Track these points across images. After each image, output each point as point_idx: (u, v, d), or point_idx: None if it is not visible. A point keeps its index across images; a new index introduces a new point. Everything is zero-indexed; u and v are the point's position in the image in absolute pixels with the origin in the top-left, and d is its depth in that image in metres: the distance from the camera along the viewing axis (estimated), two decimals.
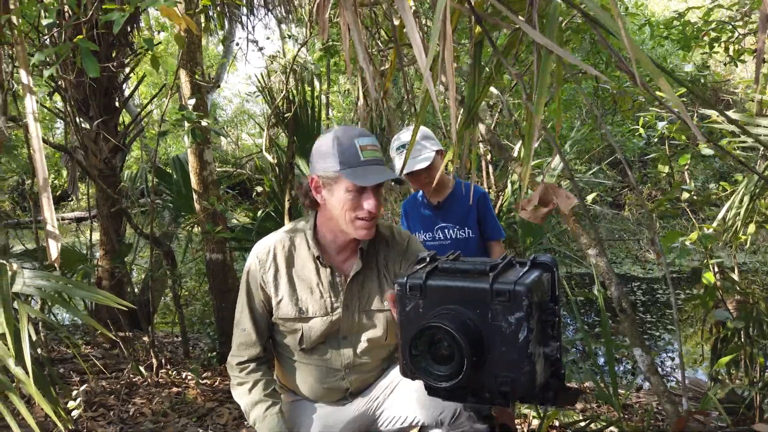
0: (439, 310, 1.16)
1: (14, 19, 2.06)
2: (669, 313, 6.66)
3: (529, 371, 1.10)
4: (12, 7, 2.07)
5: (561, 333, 1.20)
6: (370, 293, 1.77)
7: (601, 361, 4.18)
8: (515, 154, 3.31)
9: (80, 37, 2.06)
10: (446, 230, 2.39)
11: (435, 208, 2.41)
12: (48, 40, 2.95)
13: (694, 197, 3.44)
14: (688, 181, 3.52)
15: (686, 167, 3.70)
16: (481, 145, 4.47)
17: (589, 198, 4.41)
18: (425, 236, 2.44)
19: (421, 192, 2.47)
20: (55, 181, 12.46)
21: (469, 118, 1.73)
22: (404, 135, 2.35)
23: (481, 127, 1.69)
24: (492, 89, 2.31)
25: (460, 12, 1.61)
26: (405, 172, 2.24)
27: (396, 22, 1.90)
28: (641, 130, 3.31)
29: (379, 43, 3.88)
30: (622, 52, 4.71)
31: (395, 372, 1.84)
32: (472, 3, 1.48)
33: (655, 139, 3.53)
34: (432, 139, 2.33)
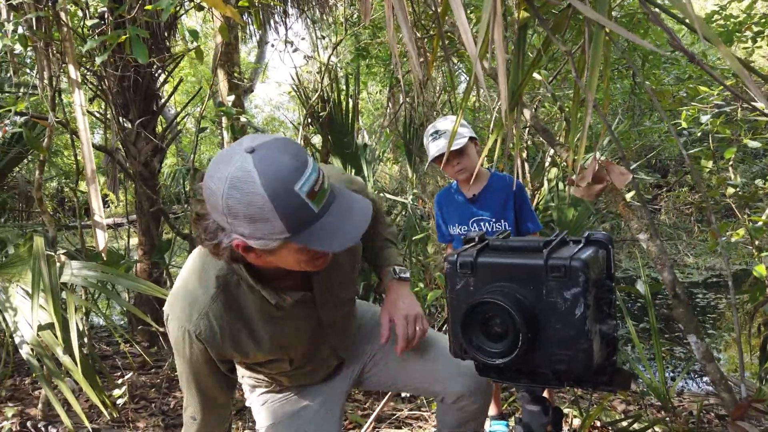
0: (490, 287, 1.14)
1: (62, 15, 2.13)
2: (710, 318, 6.48)
3: (586, 349, 1.08)
4: (60, 3, 2.13)
5: (617, 312, 1.17)
6: (339, 280, 1.51)
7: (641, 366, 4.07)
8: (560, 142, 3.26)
9: (124, 34, 2.12)
10: (482, 223, 2.36)
11: (470, 201, 2.38)
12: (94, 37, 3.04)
13: (739, 193, 3.34)
14: (733, 177, 3.42)
15: (731, 163, 3.60)
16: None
17: (628, 196, 4.33)
18: (460, 229, 2.41)
19: (455, 183, 2.45)
20: None
21: (513, 102, 1.71)
22: (439, 123, 2.35)
23: (526, 113, 1.67)
24: (535, 75, 2.29)
25: None
26: (435, 153, 2.25)
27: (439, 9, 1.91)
28: (684, 124, 3.23)
29: (418, 34, 3.88)
30: (661, 44, 4.61)
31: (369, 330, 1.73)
32: None
33: (698, 134, 3.44)
34: (466, 126, 2.32)
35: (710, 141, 3.34)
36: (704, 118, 3.19)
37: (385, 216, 1.76)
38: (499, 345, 1.09)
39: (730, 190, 3.14)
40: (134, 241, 5.00)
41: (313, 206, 1.13)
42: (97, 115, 5.19)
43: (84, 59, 3.34)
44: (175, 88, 5.61)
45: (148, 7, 2.02)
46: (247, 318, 1.36)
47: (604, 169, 1.31)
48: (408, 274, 1.64)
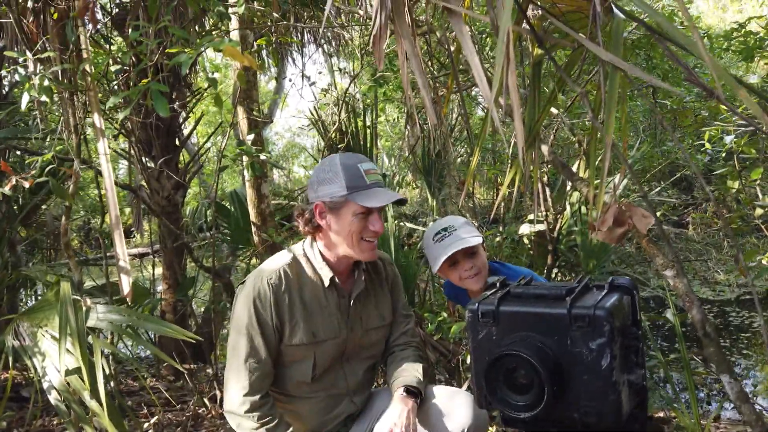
0: (514, 337, 1.12)
1: (87, 67, 2.20)
2: (744, 337, 6.29)
3: (614, 401, 1.05)
4: (85, 56, 2.20)
5: (645, 359, 1.14)
6: (370, 312, 1.83)
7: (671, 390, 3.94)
8: (576, 172, 3.22)
9: (145, 81, 2.17)
10: None
11: None
12: (117, 86, 3.12)
13: None
14: (760, 196, 3.34)
15: (757, 182, 3.53)
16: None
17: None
18: None
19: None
20: None
21: (530, 138, 1.70)
22: (441, 222, 2.05)
23: (544, 148, 1.66)
24: (552, 109, 2.28)
25: (517, 33, 1.59)
26: (447, 253, 1.92)
27: (452, 48, 1.91)
28: (707, 145, 3.18)
29: (433, 71, 3.91)
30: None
31: (378, 398, 1.86)
32: (532, 24, 1.47)
33: (723, 155, 3.38)
34: (471, 225, 2.04)
35: (735, 161, 3.27)
36: (728, 139, 3.14)
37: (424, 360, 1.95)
38: (525, 397, 1.07)
39: (759, 211, 3.07)
40: (159, 270, 5.05)
41: (366, 179, 1.66)
42: (122, 152, 5.30)
43: (108, 107, 3.43)
44: (196, 123, 5.71)
45: (171, 53, 2.07)
46: (302, 290, 1.72)
47: (625, 212, 1.29)
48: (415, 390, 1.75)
